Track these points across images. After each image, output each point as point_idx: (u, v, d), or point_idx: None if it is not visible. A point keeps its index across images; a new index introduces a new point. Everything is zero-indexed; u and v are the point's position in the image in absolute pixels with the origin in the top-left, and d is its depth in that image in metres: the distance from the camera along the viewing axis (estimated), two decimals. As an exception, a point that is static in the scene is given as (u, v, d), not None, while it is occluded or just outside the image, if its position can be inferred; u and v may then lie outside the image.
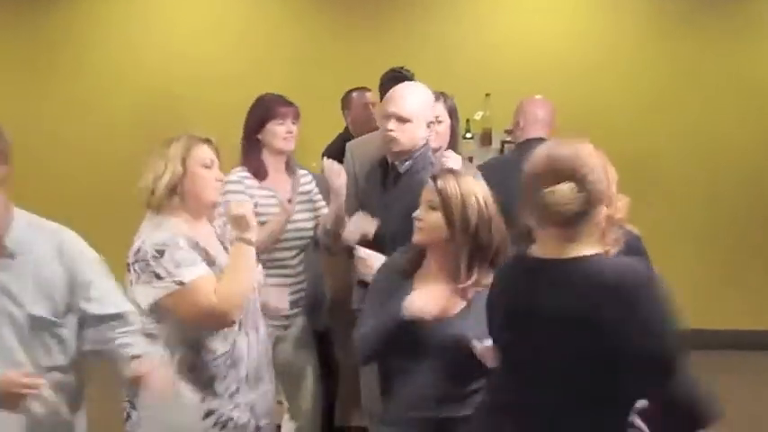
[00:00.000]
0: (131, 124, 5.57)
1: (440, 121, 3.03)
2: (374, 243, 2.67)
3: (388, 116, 2.70)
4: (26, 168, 5.74)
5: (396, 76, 3.39)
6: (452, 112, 3.12)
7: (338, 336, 3.44)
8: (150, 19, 5.68)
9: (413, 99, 2.72)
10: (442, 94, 3.09)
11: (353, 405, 3.81)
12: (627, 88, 5.47)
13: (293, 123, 3.01)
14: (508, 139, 4.43)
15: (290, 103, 3.06)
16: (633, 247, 2.29)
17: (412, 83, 2.84)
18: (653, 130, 5.48)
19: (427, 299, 2.14)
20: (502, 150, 4.42)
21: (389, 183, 2.76)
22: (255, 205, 2.79)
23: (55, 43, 5.70)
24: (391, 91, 2.77)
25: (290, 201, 2.91)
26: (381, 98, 3.41)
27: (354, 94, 4.50)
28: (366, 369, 2.70)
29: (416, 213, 2.21)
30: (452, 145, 3.11)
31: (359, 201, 3.21)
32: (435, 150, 3.01)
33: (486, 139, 4.52)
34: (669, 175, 5.52)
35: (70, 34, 5.70)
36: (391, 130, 2.68)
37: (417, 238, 2.22)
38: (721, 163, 5.48)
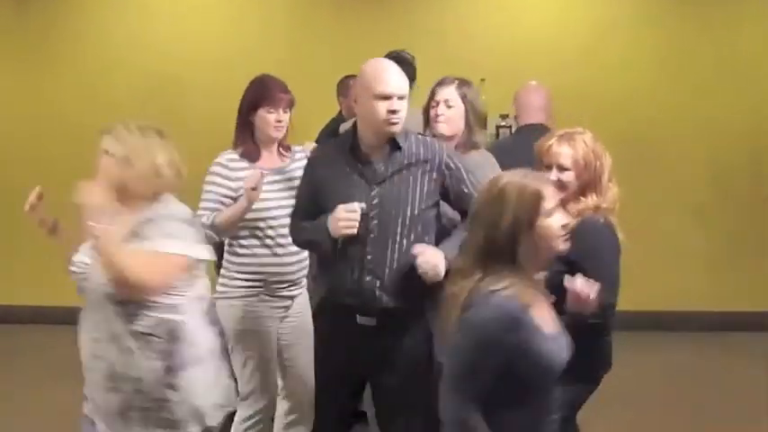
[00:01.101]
0: (134, 106, 5.60)
1: (450, 106, 2.92)
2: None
3: (389, 97, 2.50)
4: (32, 152, 5.79)
5: (396, 58, 3.36)
6: (465, 99, 2.94)
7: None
8: (149, 2, 5.66)
9: (402, 76, 2.57)
10: (459, 79, 2.95)
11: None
12: (622, 71, 5.48)
13: (285, 112, 2.98)
14: (503, 123, 4.44)
15: (285, 90, 3.02)
16: (583, 234, 2.30)
17: (385, 60, 2.68)
18: (648, 113, 5.49)
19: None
20: (497, 135, 4.42)
21: (383, 165, 2.56)
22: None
23: (55, 29, 5.72)
24: (378, 71, 2.57)
25: (254, 189, 2.82)
26: None
27: (351, 82, 4.48)
28: None
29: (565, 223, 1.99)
30: (468, 135, 2.93)
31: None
32: (449, 138, 2.89)
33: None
34: (664, 158, 5.54)
35: (70, 20, 5.73)
36: (398, 111, 2.49)
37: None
38: (717, 144, 5.50)
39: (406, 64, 3.35)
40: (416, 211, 2.54)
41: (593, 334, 2.42)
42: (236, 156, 2.99)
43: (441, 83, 2.95)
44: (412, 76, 3.37)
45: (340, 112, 4.51)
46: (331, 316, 2.69)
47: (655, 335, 5.31)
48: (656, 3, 5.49)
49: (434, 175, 2.58)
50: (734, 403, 4.17)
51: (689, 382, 4.58)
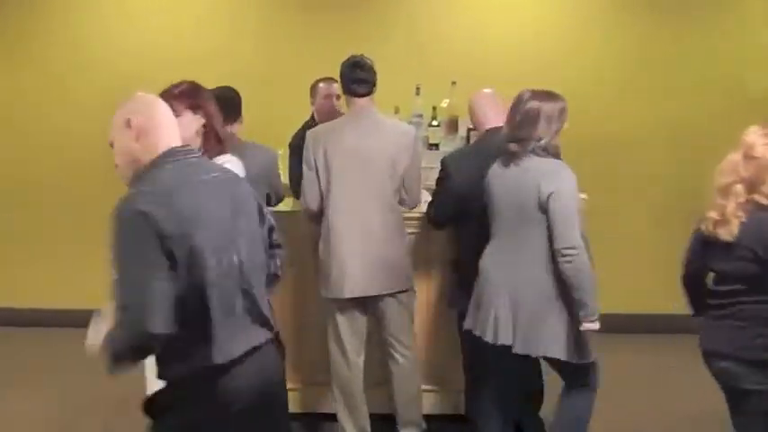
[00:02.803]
0: (104, 106, 5.54)
1: None
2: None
3: None
4: (3, 151, 5.79)
5: (357, 62, 3.40)
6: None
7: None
8: (122, 1, 5.66)
9: None
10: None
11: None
12: (594, 76, 5.54)
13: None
14: (473, 127, 4.49)
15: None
16: None
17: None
18: (620, 117, 5.57)
19: None
20: (468, 138, 4.46)
21: None
22: None
23: (27, 28, 5.69)
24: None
25: None
26: (343, 85, 3.45)
27: (321, 85, 4.51)
28: None
29: None
30: None
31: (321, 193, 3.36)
32: None
33: (452, 126, 4.56)
34: (635, 162, 5.61)
35: (42, 18, 5.69)
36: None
37: None
38: (685, 147, 5.58)
39: (366, 69, 3.40)
40: None
41: None
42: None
43: None
44: (373, 82, 3.41)
45: (312, 115, 4.53)
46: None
47: (619, 337, 5.37)
48: (628, 8, 5.55)
49: None
50: (699, 404, 4.25)
51: (653, 383, 4.66)
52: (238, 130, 3.51)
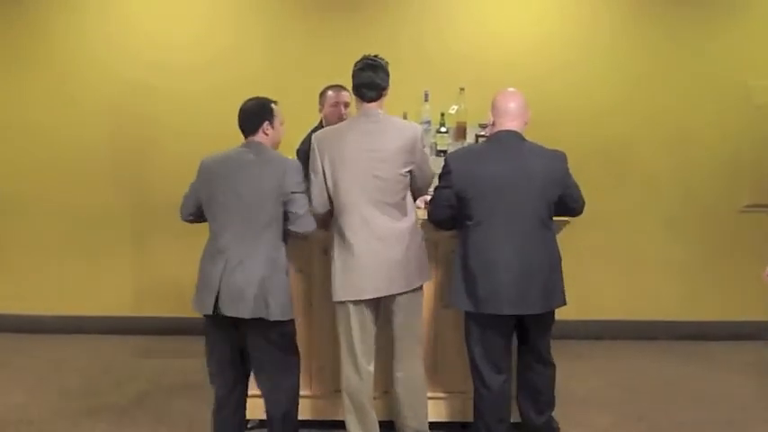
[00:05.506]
0: (105, 112, 5.59)
1: None
2: None
3: None
4: (5, 157, 5.74)
5: (370, 64, 3.38)
6: None
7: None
8: (126, 8, 5.68)
9: None
10: None
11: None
12: (603, 79, 5.56)
13: None
14: (482, 133, 4.47)
15: None
16: None
17: None
18: (626, 120, 5.58)
19: None
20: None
21: None
22: None
23: (31, 34, 5.71)
24: None
25: None
26: (354, 86, 3.41)
27: (329, 92, 4.50)
28: None
29: None
30: None
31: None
32: None
33: (460, 132, 4.56)
34: (641, 163, 5.61)
35: (46, 25, 5.71)
36: None
37: None
38: (692, 152, 5.59)
39: (380, 70, 3.38)
40: None
41: None
42: None
43: None
44: (386, 83, 3.39)
45: (321, 121, 4.52)
46: None
47: (628, 343, 5.36)
48: (633, 19, 5.58)
49: None
50: (707, 411, 4.22)
51: (659, 389, 4.63)
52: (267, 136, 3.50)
